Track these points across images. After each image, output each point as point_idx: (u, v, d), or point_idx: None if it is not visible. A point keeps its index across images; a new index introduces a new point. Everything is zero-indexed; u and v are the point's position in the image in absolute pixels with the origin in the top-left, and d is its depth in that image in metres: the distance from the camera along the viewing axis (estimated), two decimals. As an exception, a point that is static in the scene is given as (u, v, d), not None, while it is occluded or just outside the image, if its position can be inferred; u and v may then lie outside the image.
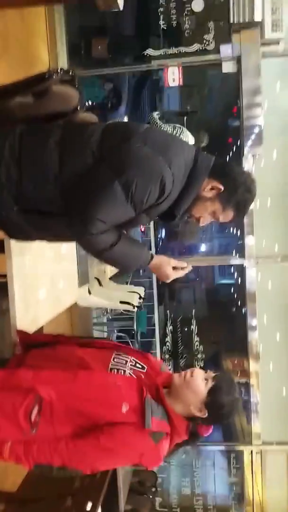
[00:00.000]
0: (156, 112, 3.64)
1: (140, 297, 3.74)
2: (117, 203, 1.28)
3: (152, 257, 1.45)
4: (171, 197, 1.36)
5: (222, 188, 1.40)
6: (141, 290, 4.05)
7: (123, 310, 4.10)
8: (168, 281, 1.48)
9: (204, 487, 4.95)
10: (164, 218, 1.51)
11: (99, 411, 1.28)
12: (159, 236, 6.22)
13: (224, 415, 1.39)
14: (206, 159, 1.42)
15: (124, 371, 1.40)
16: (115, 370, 1.39)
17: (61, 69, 1.53)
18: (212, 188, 1.41)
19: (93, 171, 1.31)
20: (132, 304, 3.53)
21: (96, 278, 3.43)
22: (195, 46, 4.18)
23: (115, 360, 1.43)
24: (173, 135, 1.49)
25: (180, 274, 1.50)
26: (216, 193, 1.42)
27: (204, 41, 4.16)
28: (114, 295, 3.61)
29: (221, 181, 1.40)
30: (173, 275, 1.48)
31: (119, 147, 1.31)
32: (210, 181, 1.41)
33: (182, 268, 1.51)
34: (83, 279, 2.74)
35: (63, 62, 4.32)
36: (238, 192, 1.41)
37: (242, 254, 4.49)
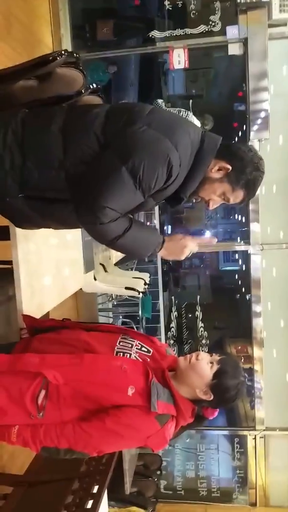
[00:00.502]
0: (161, 100, 3.60)
1: (145, 283, 3.74)
2: (125, 189, 1.26)
3: (164, 240, 1.42)
4: (178, 179, 1.34)
5: (230, 168, 1.37)
6: (146, 276, 4.05)
7: (128, 296, 4.12)
8: (183, 257, 1.43)
9: (208, 471, 5.02)
10: (170, 202, 1.48)
11: (105, 394, 1.28)
12: (164, 223, 6.19)
13: (230, 398, 1.39)
14: (212, 140, 1.38)
15: (130, 354, 1.40)
16: (121, 354, 1.39)
17: (65, 50, 1.50)
18: (219, 169, 1.39)
19: (99, 158, 1.29)
20: (137, 290, 3.53)
21: (101, 264, 3.44)
22: (201, 28, 4.11)
23: (120, 343, 1.43)
24: (179, 115, 1.45)
25: (195, 247, 1.43)
26: (224, 173, 1.39)
27: (210, 23, 4.08)
28: (119, 281, 3.62)
29: (228, 161, 1.37)
30: (188, 250, 1.42)
31: (124, 131, 1.28)
32: (217, 162, 1.38)
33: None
34: (89, 265, 2.74)
35: (67, 44, 4.26)
36: (246, 171, 1.38)
37: (247, 241, 4.47)
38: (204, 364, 1.38)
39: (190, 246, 1.42)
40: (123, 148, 1.26)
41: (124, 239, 1.33)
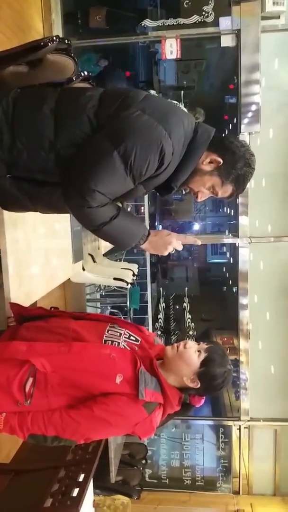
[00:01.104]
0: (153, 91, 3.58)
1: (133, 274, 3.75)
2: (116, 174, 1.24)
3: (149, 233, 1.41)
4: (169, 168, 1.33)
5: (221, 162, 1.37)
6: (134, 267, 4.06)
7: (117, 287, 4.12)
8: (166, 253, 1.41)
9: (192, 460, 5.09)
10: (161, 191, 1.47)
11: (93, 382, 1.29)
12: (153, 215, 6.19)
13: (217, 386, 1.40)
14: (206, 131, 1.38)
15: (118, 343, 1.40)
16: (109, 342, 1.39)
17: (56, 36, 1.48)
18: (211, 162, 1.38)
19: (90, 141, 1.27)
20: (126, 281, 3.54)
21: (90, 254, 3.43)
22: (194, 18, 4.07)
23: (109, 332, 1.43)
24: (173, 103, 1.43)
25: (179, 246, 1.42)
26: (215, 166, 1.38)
27: (203, 13, 4.05)
28: (108, 272, 3.62)
29: (220, 155, 1.37)
30: (171, 247, 1.41)
31: (117, 116, 1.27)
32: (209, 154, 1.37)
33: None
34: (77, 255, 2.73)
35: (58, 30, 4.19)
36: (237, 166, 1.37)
37: (235, 234, 4.50)
38: (192, 353, 1.39)
39: (174, 244, 1.41)
40: (115, 132, 1.25)
41: (110, 226, 1.31)
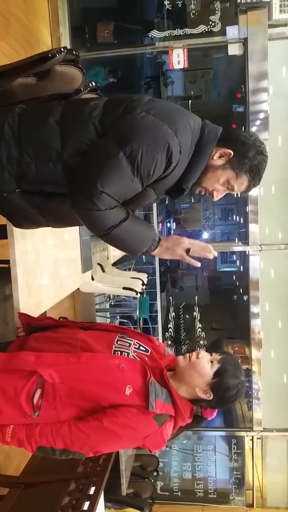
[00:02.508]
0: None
1: (143, 283, 3.73)
2: (123, 175, 1.23)
3: (160, 239, 1.38)
4: (178, 168, 1.31)
5: (232, 153, 1.34)
6: (144, 277, 4.05)
7: (126, 296, 4.11)
8: (180, 252, 1.36)
9: (205, 472, 5.01)
10: (172, 194, 1.44)
11: (102, 393, 1.27)
12: (161, 223, 6.19)
13: (230, 398, 1.37)
14: (213, 130, 1.36)
15: (128, 353, 1.38)
16: (119, 353, 1.37)
17: (64, 48, 1.48)
18: (221, 155, 1.35)
19: (96, 144, 1.27)
20: (135, 290, 3.52)
21: (99, 264, 3.43)
22: (201, 28, 4.10)
23: (118, 342, 1.41)
24: (177, 106, 1.42)
25: (191, 260, 1.36)
26: (226, 159, 1.35)
27: (210, 23, 4.08)
28: (117, 281, 3.61)
29: (229, 146, 1.34)
30: (184, 245, 1.36)
31: (122, 118, 1.26)
32: (218, 149, 1.35)
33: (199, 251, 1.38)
34: (86, 265, 2.73)
35: (66, 44, 4.26)
36: (249, 155, 1.33)
37: (245, 241, 4.47)
38: (205, 363, 1.37)
39: (186, 243, 1.36)
40: (121, 134, 1.24)
41: (120, 230, 1.29)
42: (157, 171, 1.26)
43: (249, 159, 1.34)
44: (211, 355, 1.40)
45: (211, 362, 1.38)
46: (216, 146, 1.35)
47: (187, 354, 1.40)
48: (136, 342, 1.43)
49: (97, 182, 1.21)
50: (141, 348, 1.42)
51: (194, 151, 1.33)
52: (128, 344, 1.41)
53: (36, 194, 1.35)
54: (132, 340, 1.43)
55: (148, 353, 1.42)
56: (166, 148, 1.23)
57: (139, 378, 1.29)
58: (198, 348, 5.01)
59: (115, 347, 1.39)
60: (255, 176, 1.38)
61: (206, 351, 1.44)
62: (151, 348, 1.44)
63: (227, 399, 1.37)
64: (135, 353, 1.39)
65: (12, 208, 1.39)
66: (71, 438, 1.24)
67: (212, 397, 1.36)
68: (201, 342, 5.17)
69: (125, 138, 1.22)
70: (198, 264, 1.39)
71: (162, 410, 1.28)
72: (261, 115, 4.12)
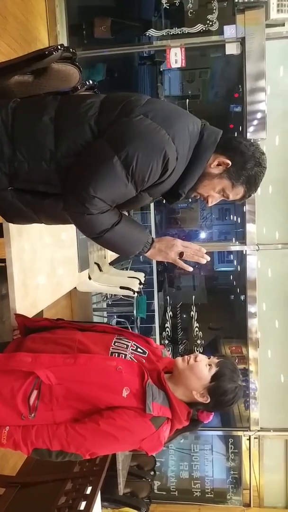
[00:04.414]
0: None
1: (140, 283, 3.72)
2: (117, 180, 1.20)
3: (153, 241, 1.37)
4: (174, 174, 1.29)
5: (230, 163, 1.32)
6: (141, 276, 4.04)
7: (123, 296, 4.10)
8: (172, 255, 1.35)
9: (202, 471, 5.01)
10: (168, 198, 1.42)
11: (99, 395, 1.26)
12: (157, 221, 6.17)
13: (227, 401, 1.37)
14: (212, 133, 1.33)
15: (125, 355, 1.37)
16: (116, 354, 1.36)
17: (61, 45, 1.47)
18: (219, 164, 1.33)
19: (91, 147, 1.24)
20: (132, 290, 3.52)
21: (96, 263, 3.42)
22: (198, 27, 4.10)
23: (116, 344, 1.40)
24: (177, 106, 1.39)
25: (183, 265, 1.35)
26: (224, 169, 1.33)
27: (208, 22, 4.07)
28: (114, 281, 3.60)
29: (228, 156, 1.32)
30: (177, 248, 1.35)
31: (118, 121, 1.23)
32: (217, 157, 1.33)
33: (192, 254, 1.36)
34: (83, 264, 2.71)
35: (63, 42, 4.24)
36: (247, 166, 1.31)
37: (242, 241, 4.47)
38: (203, 366, 1.36)
39: (179, 246, 1.35)
40: (116, 137, 1.21)
41: (112, 234, 1.28)
42: (152, 177, 1.23)
43: (247, 170, 1.32)
44: (209, 358, 1.40)
45: (209, 365, 1.37)
46: (214, 153, 1.32)
47: (186, 357, 1.39)
48: (134, 344, 1.42)
49: (89, 186, 1.19)
50: (139, 350, 1.42)
51: (192, 155, 1.30)
52: (125, 346, 1.40)
53: (28, 193, 1.32)
54: (129, 342, 1.42)
55: (146, 355, 1.41)
56: (162, 154, 1.20)
57: (136, 380, 1.28)
58: (195, 348, 5.03)
59: (112, 348, 1.38)
60: (251, 187, 1.36)
61: (203, 352, 1.43)
62: (149, 350, 1.43)
63: (224, 403, 1.37)
64: (133, 355, 1.38)
65: (4, 205, 1.36)
66: (67, 440, 1.23)
67: (209, 400, 1.36)
68: (198, 341, 5.16)
69: (120, 142, 1.19)
70: (190, 269, 1.38)
71: (159, 412, 1.27)
72: (259, 115, 4.11)
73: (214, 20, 4.07)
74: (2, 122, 1.27)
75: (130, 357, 1.37)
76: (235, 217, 5.70)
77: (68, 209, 1.27)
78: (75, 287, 2.73)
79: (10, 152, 1.26)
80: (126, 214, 1.37)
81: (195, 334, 5.20)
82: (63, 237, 2.35)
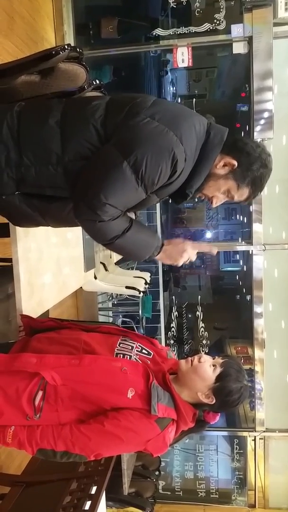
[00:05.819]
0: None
1: (146, 282, 3.72)
2: (127, 186, 1.20)
3: (163, 243, 1.37)
4: (183, 175, 1.28)
5: (236, 164, 1.31)
6: (147, 276, 4.04)
7: (129, 295, 4.10)
8: (181, 262, 1.37)
9: (207, 472, 5.00)
10: (175, 198, 1.42)
11: (104, 396, 1.26)
12: (163, 220, 6.16)
13: (232, 402, 1.36)
14: (219, 133, 1.32)
15: (130, 356, 1.36)
16: (121, 355, 1.36)
17: (68, 45, 1.47)
18: (225, 165, 1.33)
19: (99, 152, 1.24)
20: (138, 289, 3.51)
21: (101, 263, 3.42)
22: (206, 26, 4.08)
23: (121, 345, 1.40)
24: (183, 106, 1.38)
25: (193, 255, 1.38)
26: (230, 170, 1.33)
27: (215, 21, 4.06)
28: (120, 280, 3.60)
29: (234, 157, 1.31)
30: (186, 255, 1.37)
31: (125, 124, 1.22)
32: (223, 157, 1.32)
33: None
34: (89, 263, 2.71)
35: (70, 42, 4.24)
36: (253, 167, 1.31)
37: (248, 241, 4.45)
38: (207, 367, 1.35)
39: (189, 252, 1.37)
40: (124, 142, 1.20)
41: (123, 240, 1.28)
42: (162, 179, 1.23)
43: (253, 172, 1.32)
44: (213, 359, 1.39)
45: (214, 366, 1.37)
46: (220, 153, 1.32)
47: (189, 358, 1.39)
48: (139, 345, 1.42)
49: (100, 193, 1.18)
50: (144, 351, 1.41)
51: (199, 155, 1.30)
52: (130, 347, 1.40)
53: (36, 197, 1.32)
54: (134, 343, 1.42)
55: (151, 356, 1.41)
56: (171, 156, 1.19)
57: (141, 381, 1.28)
58: (200, 348, 5.01)
59: (117, 349, 1.38)
60: (257, 188, 1.36)
61: (208, 352, 1.43)
62: (154, 351, 1.43)
63: (230, 403, 1.36)
64: (138, 356, 1.38)
65: (12, 210, 1.36)
66: (72, 441, 1.23)
67: (214, 401, 1.35)
68: (204, 341, 5.15)
69: (129, 147, 1.18)
70: (195, 257, 1.40)
71: (165, 413, 1.27)
72: (266, 114, 4.09)
73: (222, 19, 4.05)
74: (8, 128, 1.26)
75: (135, 358, 1.37)
76: (241, 216, 5.68)
77: (79, 217, 1.26)
78: (81, 287, 2.73)
79: (17, 157, 1.26)
80: (133, 215, 1.37)
81: (200, 334, 5.18)
82: (69, 236, 2.35)
